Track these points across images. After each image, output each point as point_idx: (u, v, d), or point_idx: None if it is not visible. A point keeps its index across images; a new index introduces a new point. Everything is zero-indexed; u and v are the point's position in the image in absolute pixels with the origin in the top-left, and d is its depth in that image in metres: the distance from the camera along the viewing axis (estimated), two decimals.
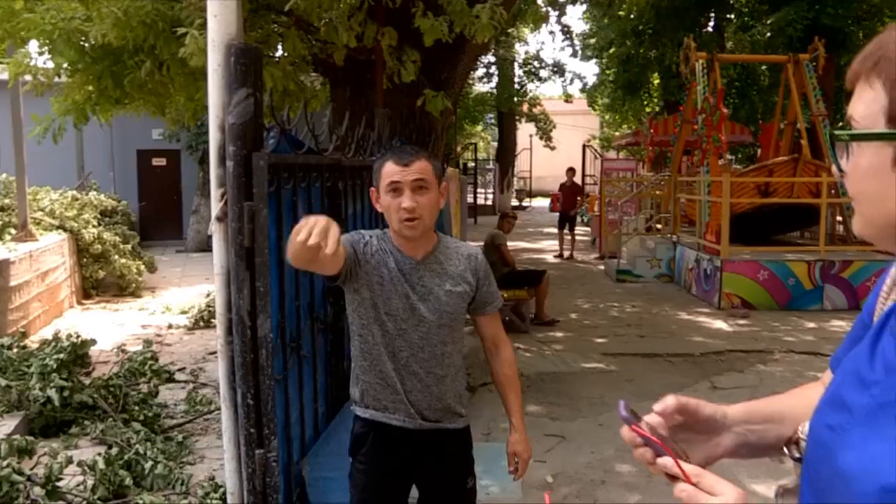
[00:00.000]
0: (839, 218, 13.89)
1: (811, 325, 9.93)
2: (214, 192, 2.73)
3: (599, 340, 9.21)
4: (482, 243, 9.46)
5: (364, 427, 2.76)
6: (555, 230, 18.74)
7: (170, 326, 10.11)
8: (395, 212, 2.60)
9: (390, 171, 2.62)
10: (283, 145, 3.12)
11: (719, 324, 10.11)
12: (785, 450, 1.27)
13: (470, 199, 27.37)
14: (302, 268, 2.40)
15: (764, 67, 22.25)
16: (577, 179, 20.38)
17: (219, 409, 4.03)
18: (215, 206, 2.71)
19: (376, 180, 2.68)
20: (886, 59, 0.94)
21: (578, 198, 19.01)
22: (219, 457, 4.94)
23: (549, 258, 17.37)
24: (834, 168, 1.02)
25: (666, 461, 1.08)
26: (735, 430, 1.28)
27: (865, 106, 0.96)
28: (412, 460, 2.76)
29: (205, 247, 17.87)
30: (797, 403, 1.30)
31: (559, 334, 9.51)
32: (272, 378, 2.80)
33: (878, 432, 0.94)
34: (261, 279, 2.71)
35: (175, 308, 11.24)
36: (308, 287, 3.52)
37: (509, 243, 10.28)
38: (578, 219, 19.85)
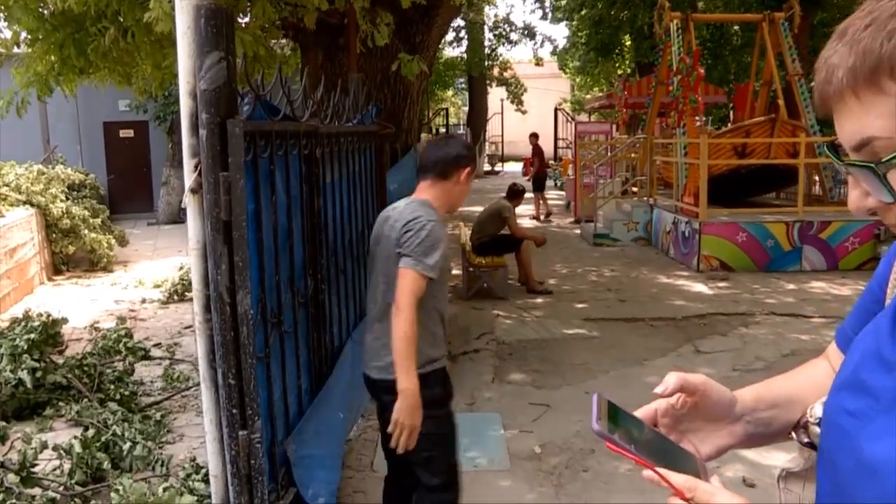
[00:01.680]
0: (816, 178, 13.88)
1: (791, 286, 9.91)
2: (187, 163, 2.57)
3: (580, 306, 9.14)
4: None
5: (443, 374, 3.26)
6: (529, 194, 18.86)
7: (143, 301, 9.92)
8: (464, 194, 3.33)
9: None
10: (259, 112, 2.96)
11: (699, 287, 10.07)
12: (793, 434, 1.17)
13: None
14: None
15: (736, 27, 22.14)
16: (551, 143, 20.31)
17: (197, 384, 3.91)
18: (188, 178, 2.56)
19: (472, 166, 3.34)
20: (891, 55, 0.79)
21: (536, 159, 19.07)
22: (199, 434, 4.83)
23: (526, 221, 17.29)
24: (871, 201, 0.89)
25: (650, 476, 0.96)
26: (746, 419, 1.17)
27: (885, 119, 0.81)
28: None
29: (176, 219, 17.66)
30: (803, 385, 1.21)
31: (539, 300, 9.43)
32: (253, 356, 2.68)
33: None
34: (239, 253, 2.58)
35: (148, 282, 11.03)
36: (288, 260, 3.39)
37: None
38: (550, 182, 19.93)
